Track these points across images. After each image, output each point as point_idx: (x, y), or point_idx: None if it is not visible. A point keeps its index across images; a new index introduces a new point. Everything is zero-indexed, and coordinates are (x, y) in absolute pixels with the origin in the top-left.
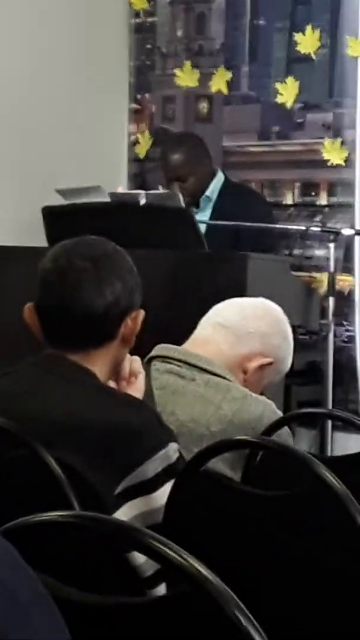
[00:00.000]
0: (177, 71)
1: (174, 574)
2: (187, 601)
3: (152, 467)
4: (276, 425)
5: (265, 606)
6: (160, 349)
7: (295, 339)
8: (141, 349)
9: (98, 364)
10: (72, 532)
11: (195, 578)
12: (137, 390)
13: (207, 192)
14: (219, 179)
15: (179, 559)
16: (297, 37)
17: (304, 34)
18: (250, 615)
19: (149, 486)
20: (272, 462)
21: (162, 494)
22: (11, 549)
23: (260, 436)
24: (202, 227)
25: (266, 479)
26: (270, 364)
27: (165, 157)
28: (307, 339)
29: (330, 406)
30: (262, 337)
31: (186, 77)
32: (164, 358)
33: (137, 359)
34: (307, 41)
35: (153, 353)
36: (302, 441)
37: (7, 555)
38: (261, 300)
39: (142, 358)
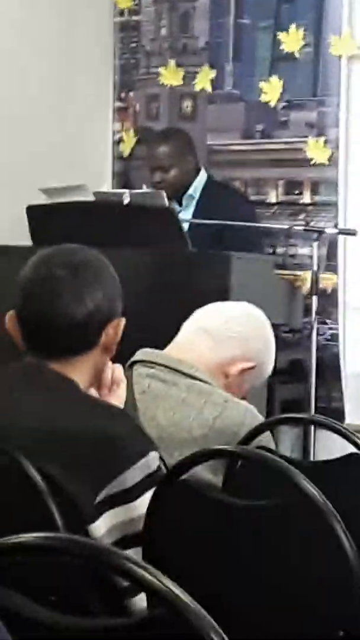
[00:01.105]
0: (161, 69)
1: (152, 598)
2: (165, 623)
3: (132, 476)
4: (257, 431)
5: (243, 619)
6: (143, 353)
7: (279, 338)
8: (122, 353)
9: (79, 373)
10: (53, 554)
11: (174, 603)
12: (118, 398)
13: (190, 191)
14: (201, 178)
15: (158, 583)
16: (281, 36)
17: (288, 32)
18: (225, 637)
19: (128, 495)
20: (253, 467)
21: (142, 503)
22: None
23: (238, 446)
24: (185, 226)
25: (247, 484)
26: (252, 368)
27: (152, 146)
28: (290, 337)
29: (313, 404)
30: (243, 341)
31: (170, 76)
32: (146, 362)
33: (119, 366)
34: (291, 40)
35: (135, 357)
36: (285, 441)
37: None
38: (243, 305)
39: (125, 361)
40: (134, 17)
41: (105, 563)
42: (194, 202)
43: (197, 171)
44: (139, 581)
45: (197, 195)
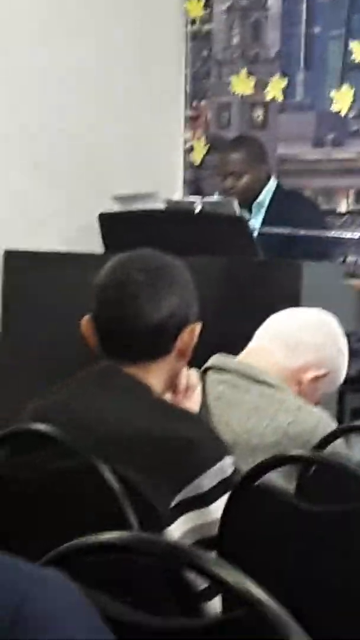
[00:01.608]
0: (232, 78)
1: (231, 598)
2: (243, 624)
3: (208, 480)
4: (330, 437)
5: (318, 625)
6: (216, 359)
7: (350, 346)
8: (196, 358)
9: (154, 377)
10: (130, 553)
11: (253, 602)
12: (193, 403)
13: (259, 199)
14: (271, 186)
15: (237, 582)
16: (352, 45)
17: (359, 42)
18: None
19: (204, 499)
20: (326, 473)
21: (217, 508)
22: (71, 587)
23: (313, 451)
24: (255, 234)
25: (321, 491)
26: (325, 375)
27: (225, 153)
28: None
29: None
30: (317, 348)
31: (242, 84)
32: (220, 369)
33: (194, 372)
34: None
35: (208, 364)
36: (355, 449)
37: (67, 593)
38: (316, 311)
39: (197, 368)
40: (206, 26)
41: (186, 563)
42: (263, 210)
43: (268, 179)
44: (220, 581)
45: (266, 203)
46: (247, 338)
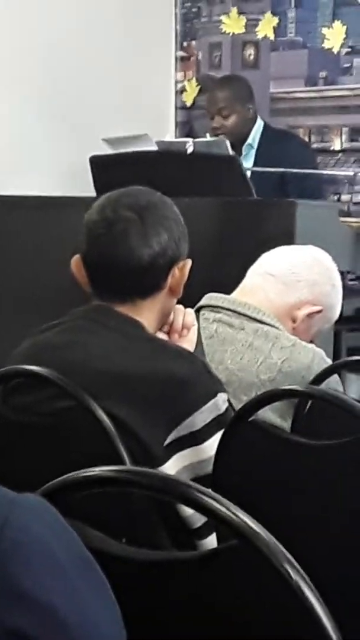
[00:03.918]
0: (223, 18)
1: (223, 528)
2: (236, 555)
3: (202, 417)
4: (325, 373)
5: (316, 558)
6: (209, 298)
7: (345, 285)
8: (190, 298)
9: (146, 315)
10: (121, 486)
11: (244, 532)
12: (189, 343)
13: (249, 140)
14: (259, 126)
15: (228, 513)
16: None
17: None
18: (300, 568)
19: (198, 437)
20: (321, 410)
21: (212, 445)
22: (53, 511)
23: (309, 385)
24: (248, 174)
25: (316, 427)
26: (320, 311)
27: (212, 91)
28: (356, 284)
29: None
30: (311, 285)
31: (232, 24)
32: (213, 307)
33: (190, 311)
34: None
35: (202, 302)
36: (351, 387)
37: (49, 517)
38: (310, 248)
39: (191, 307)
40: None
41: (179, 495)
42: (253, 151)
43: (255, 120)
44: (211, 512)
45: (255, 144)
46: (241, 277)
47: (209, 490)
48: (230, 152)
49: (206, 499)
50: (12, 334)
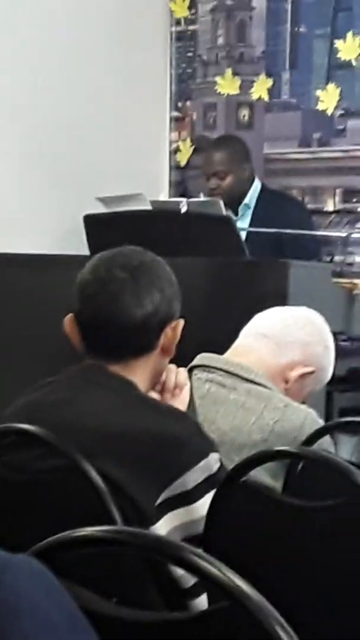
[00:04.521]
0: (218, 79)
1: (215, 589)
2: (227, 616)
3: (193, 477)
4: (317, 435)
5: (307, 620)
6: (202, 358)
7: (337, 346)
8: (183, 357)
9: (138, 374)
10: (113, 546)
11: (235, 594)
12: (181, 402)
13: (246, 200)
14: (256, 187)
15: (219, 574)
16: (338, 44)
17: (344, 40)
18: (291, 630)
19: (189, 497)
20: (313, 471)
21: (203, 505)
22: (45, 572)
23: (301, 447)
24: (243, 235)
25: (308, 488)
26: (312, 372)
27: (208, 153)
28: (348, 345)
29: None
30: (303, 346)
31: (227, 85)
32: (206, 367)
33: (183, 371)
34: (348, 48)
35: (195, 362)
36: (343, 448)
37: (41, 578)
38: (303, 309)
39: (184, 367)
40: (191, 27)
41: (170, 556)
42: (250, 212)
43: (252, 180)
44: (202, 573)
45: (252, 205)
46: (234, 337)
47: (200, 551)
48: (224, 212)
49: (197, 560)
50: (5, 391)
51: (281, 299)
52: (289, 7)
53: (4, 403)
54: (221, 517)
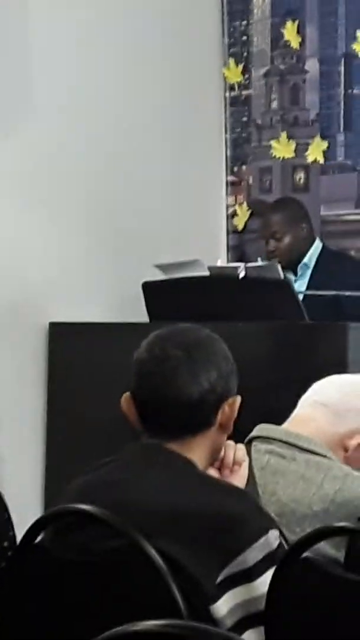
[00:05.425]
0: (273, 142)
1: None
2: None
3: (253, 555)
4: None
5: None
6: (261, 429)
7: None
8: (242, 432)
9: (196, 452)
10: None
11: None
12: (240, 478)
13: (305, 260)
14: (317, 247)
15: None
16: None
17: None
18: None
19: (250, 574)
20: None
21: (264, 582)
22: None
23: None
24: (301, 297)
25: None
26: None
27: (265, 215)
28: None
29: None
30: None
31: (282, 148)
32: (265, 438)
33: (241, 447)
34: None
35: (254, 433)
36: None
37: None
38: None
39: (244, 437)
40: (244, 92)
41: None
42: (309, 272)
43: (312, 240)
44: None
45: (312, 265)
46: (294, 404)
47: None
48: (282, 275)
49: None
50: (65, 469)
51: (341, 362)
52: (341, 69)
53: (62, 482)
54: (282, 593)
